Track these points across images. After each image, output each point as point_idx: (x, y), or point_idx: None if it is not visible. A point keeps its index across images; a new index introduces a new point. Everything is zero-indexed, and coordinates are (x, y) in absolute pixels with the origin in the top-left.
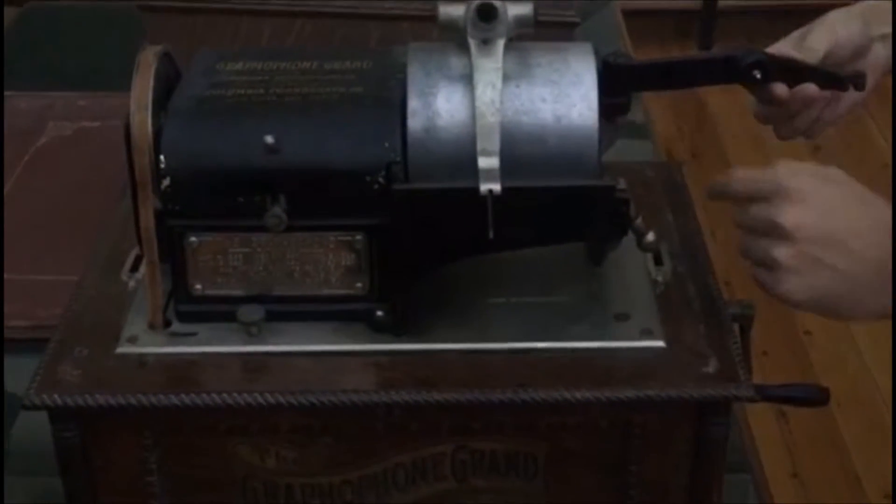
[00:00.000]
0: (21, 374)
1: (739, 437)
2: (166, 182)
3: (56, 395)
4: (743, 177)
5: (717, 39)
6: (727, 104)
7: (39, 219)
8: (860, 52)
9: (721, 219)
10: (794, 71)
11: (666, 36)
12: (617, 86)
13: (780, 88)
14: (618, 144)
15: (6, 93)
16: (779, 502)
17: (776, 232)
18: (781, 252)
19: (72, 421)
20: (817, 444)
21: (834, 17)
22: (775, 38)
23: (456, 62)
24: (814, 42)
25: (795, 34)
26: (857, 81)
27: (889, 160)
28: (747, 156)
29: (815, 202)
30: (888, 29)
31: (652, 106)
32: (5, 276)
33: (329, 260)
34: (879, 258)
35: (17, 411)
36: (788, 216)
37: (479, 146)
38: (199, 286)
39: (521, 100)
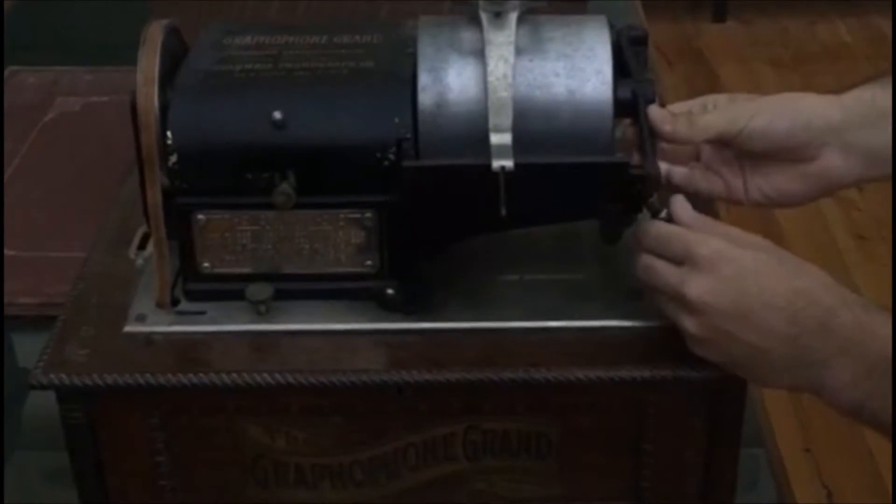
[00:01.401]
0: (31, 350)
1: (753, 411)
2: (173, 159)
3: (63, 375)
4: (656, 233)
5: (730, 11)
6: (740, 76)
7: (47, 195)
8: (800, 154)
9: None
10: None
11: (679, 8)
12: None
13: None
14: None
15: (13, 67)
16: (791, 477)
17: (683, 301)
18: (689, 323)
19: (79, 401)
20: (830, 419)
21: (788, 103)
22: (788, 11)
23: (467, 36)
24: (711, 121)
25: (724, 98)
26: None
27: None
28: None
29: (726, 271)
30: (880, 136)
31: (664, 79)
32: (13, 252)
33: (338, 238)
34: (794, 334)
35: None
36: (695, 287)
37: (491, 122)
38: (207, 264)
39: (533, 74)
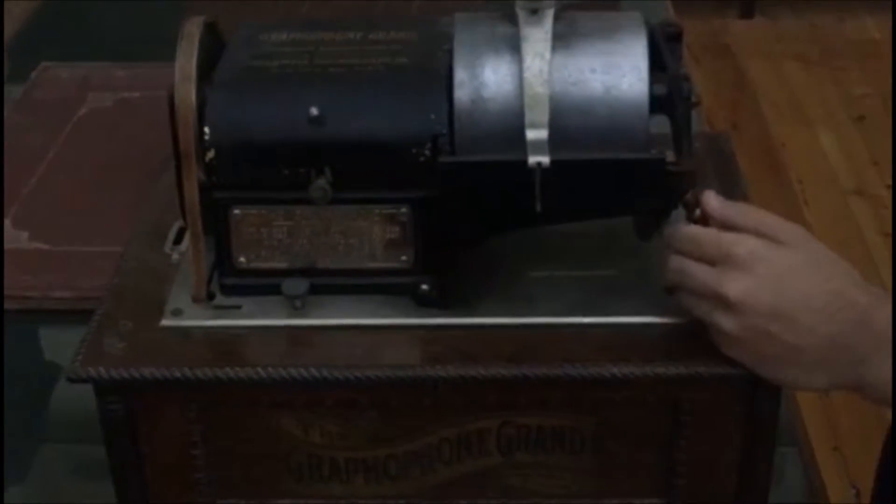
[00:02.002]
0: (64, 344)
1: (785, 410)
2: (210, 154)
3: (101, 368)
4: (689, 236)
5: (757, 7)
6: (767, 73)
7: (79, 190)
8: None
9: (769, 190)
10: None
11: (706, 4)
12: None
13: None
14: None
15: (46, 63)
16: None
17: (720, 301)
18: (725, 322)
19: (117, 394)
20: (858, 418)
21: None
22: (816, 7)
23: (503, 32)
24: None
25: None
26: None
27: None
28: (787, 125)
29: (764, 271)
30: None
31: (691, 75)
32: (46, 247)
33: (374, 233)
34: (832, 334)
35: (57, 379)
36: (733, 286)
37: (528, 118)
38: (242, 259)
39: (569, 70)
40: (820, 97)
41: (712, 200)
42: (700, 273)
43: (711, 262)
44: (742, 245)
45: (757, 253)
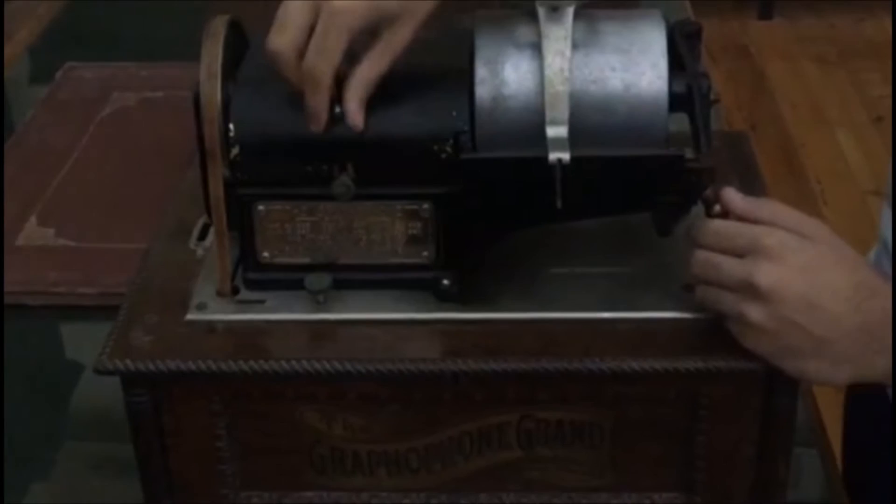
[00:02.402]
0: (87, 340)
1: (804, 410)
2: (235, 151)
3: (128, 361)
4: (715, 229)
5: (776, 8)
6: (786, 73)
7: (103, 187)
8: None
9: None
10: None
11: (725, 5)
12: None
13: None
14: (679, 113)
15: (71, 63)
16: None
17: (751, 291)
18: (755, 312)
19: (143, 386)
20: None
21: None
22: (835, 8)
23: (524, 30)
24: None
25: None
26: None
27: None
28: (806, 125)
29: (794, 261)
30: None
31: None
32: (71, 243)
33: (395, 228)
34: (860, 322)
35: (78, 377)
36: (765, 276)
37: (548, 115)
38: (266, 254)
39: (589, 68)
40: (839, 98)
41: (735, 196)
42: (729, 264)
43: (739, 254)
44: (772, 236)
45: (787, 243)
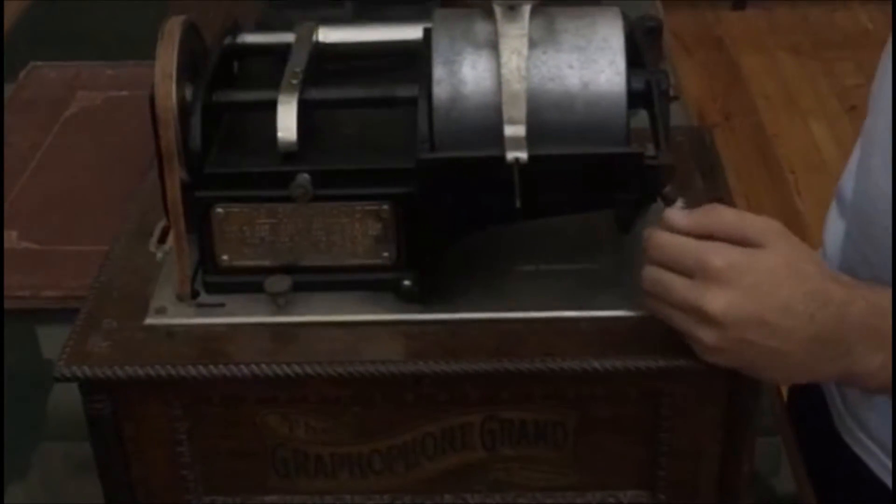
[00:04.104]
0: (56, 342)
1: (770, 398)
2: (192, 153)
3: (86, 367)
4: (661, 243)
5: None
6: (760, 64)
7: (69, 188)
8: None
9: (762, 180)
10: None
11: None
12: None
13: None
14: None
15: (35, 63)
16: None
17: (701, 315)
18: (708, 335)
19: (102, 392)
20: None
21: None
22: None
23: (481, 28)
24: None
25: None
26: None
27: None
28: (780, 116)
29: (744, 282)
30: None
31: (683, 67)
32: (36, 246)
33: (355, 229)
34: (813, 333)
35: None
36: (715, 301)
37: (505, 114)
38: (226, 257)
39: (547, 66)
40: (812, 88)
41: (677, 216)
42: (678, 286)
43: (688, 273)
44: (719, 256)
45: (735, 264)
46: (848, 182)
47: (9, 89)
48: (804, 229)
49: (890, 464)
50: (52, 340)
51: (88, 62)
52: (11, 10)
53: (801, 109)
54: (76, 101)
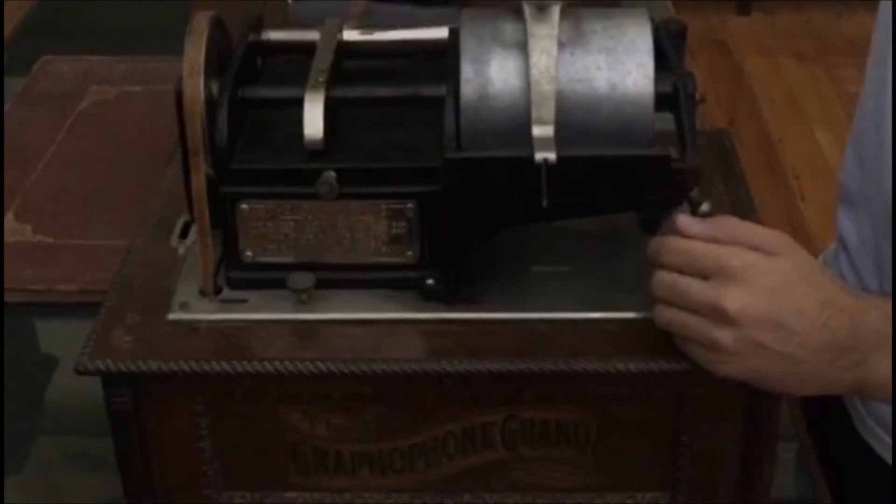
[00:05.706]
0: (61, 334)
1: (789, 405)
2: (219, 148)
3: (109, 361)
4: (678, 247)
5: (754, 3)
6: (764, 69)
7: (81, 182)
8: None
9: (766, 185)
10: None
11: (705, 1)
12: None
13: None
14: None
15: (48, 56)
16: None
17: (719, 316)
18: (724, 336)
19: (124, 386)
20: None
21: None
22: (813, 3)
23: (510, 29)
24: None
25: None
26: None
27: None
28: (784, 121)
29: (761, 283)
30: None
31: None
32: (49, 240)
33: (380, 228)
34: (826, 340)
35: (52, 372)
36: (734, 299)
37: (534, 114)
38: (249, 253)
39: (575, 67)
40: (816, 93)
41: (691, 223)
42: (695, 287)
43: (704, 275)
44: (737, 257)
45: (753, 265)
46: (848, 174)
47: (21, 83)
48: (808, 234)
49: None
50: (50, 335)
51: (101, 56)
52: (24, 4)
53: (806, 114)
54: (89, 95)
